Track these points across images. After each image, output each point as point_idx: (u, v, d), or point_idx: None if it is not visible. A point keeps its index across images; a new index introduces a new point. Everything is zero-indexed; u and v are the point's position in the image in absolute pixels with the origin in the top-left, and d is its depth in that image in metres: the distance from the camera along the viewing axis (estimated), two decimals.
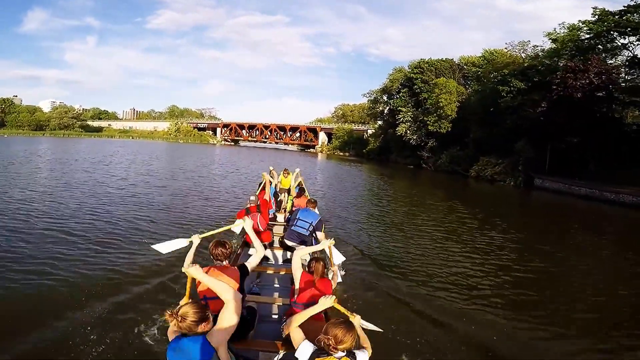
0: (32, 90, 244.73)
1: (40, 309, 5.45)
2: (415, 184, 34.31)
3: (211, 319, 2.58)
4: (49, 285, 6.23)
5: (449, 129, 43.06)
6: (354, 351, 2.65)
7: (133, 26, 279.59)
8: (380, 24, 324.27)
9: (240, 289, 3.68)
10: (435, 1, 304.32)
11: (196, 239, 4.03)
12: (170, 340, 2.56)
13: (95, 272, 6.90)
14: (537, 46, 40.94)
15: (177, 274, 6.62)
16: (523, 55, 41.98)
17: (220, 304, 2.80)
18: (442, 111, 42.69)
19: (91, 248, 8.33)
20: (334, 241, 4.81)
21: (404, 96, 53.16)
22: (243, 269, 3.83)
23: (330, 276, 4.39)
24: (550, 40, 37.06)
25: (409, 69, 56.70)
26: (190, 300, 2.81)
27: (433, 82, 45.62)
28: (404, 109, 50.34)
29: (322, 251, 5.24)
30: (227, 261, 3.82)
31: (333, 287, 4.11)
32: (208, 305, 3.24)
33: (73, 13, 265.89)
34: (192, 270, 3.01)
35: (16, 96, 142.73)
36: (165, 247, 4.14)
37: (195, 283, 3.63)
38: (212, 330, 2.56)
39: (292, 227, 6.53)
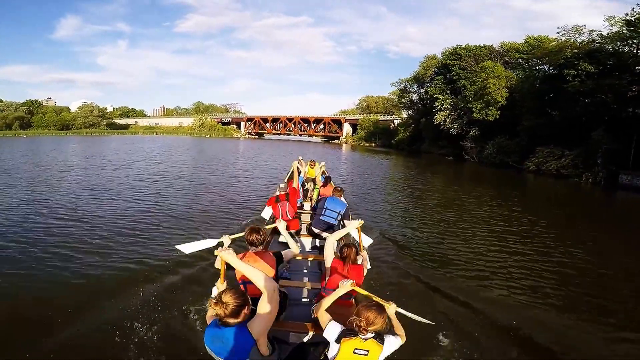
0: (66, 92, 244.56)
1: (75, 302, 5.25)
2: (458, 177, 28.86)
3: (250, 302, 2.50)
4: (80, 280, 6.05)
5: (497, 117, 36.44)
6: (384, 335, 2.56)
7: (162, 30, 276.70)
8: (400, 23, 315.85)
9: (276, 275, 3.60)
10: (454, 1, 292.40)
11: (227, 240, 3.63)
12: (208, 324, 2.55)
13: (125, 264, 6.69)
14: (593, 30, 34.37)
15: (211, 262, 6.15)
16: (579, 40, 35.29)
17: (257, 287, 2.98)
18: (489, 97, 36.04)
19: (120, 241, 8.09)
20: (362, 222, 4.47)
21: (438, 83, 46.77)
22: (278, 256, 3.69)
23: (359, 261, 4.06)
24: (615, 23, 30.05)
25: (441, 57, 50.36)
26: (228, 288, 2.64)
27: (479, 65, 38.98)
28: (440, 97, 43.85)
29: (354, 238, 5.36)
30: (261, 247, 3.65)
31: (364, 273, 3.92)
32: (247, 289, 3.31)
33: (104, 19, 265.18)
34: (224, 254, 2.84)
35: (50, 98, 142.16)
36: (190, 247, 3.87)
37: (232, 267, 3.26)
38: (253, 320, 2.48)
39: (321, 217, 6.25)
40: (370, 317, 2.50)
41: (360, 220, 4.45)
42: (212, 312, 2.47)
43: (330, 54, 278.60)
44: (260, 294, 2.71)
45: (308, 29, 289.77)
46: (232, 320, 2.41)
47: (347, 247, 3.84)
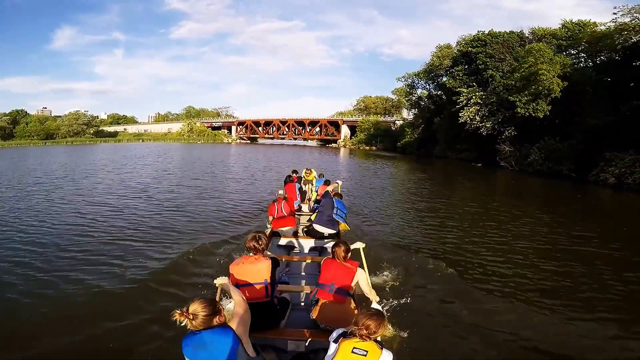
0: (66, 102, 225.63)
1: (65, 316, 4.72)
2: (504, 192, 19.41)
3: (223, 311, 2.29)
4: (73, 295, 5.30)
5: (547, 113, 26.81)
6: (383, 345, 2.33)
7: (158, 37, 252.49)
8: (392, 26, 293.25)
9: (272, 279, 3.34)
10: (445, 2, 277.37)
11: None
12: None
13: (116, 280, 5.84)
14: None
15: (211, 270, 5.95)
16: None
17: (252, 291, 3.15)
18: (540, 87, 26.23)
19: (114, 255, 6.98)
20: (364, 244, 4.45)
21: (459, 75, 36.88)
22: (274, 261, 3.43)
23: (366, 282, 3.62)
24: None
25: (457, 46, 40.81)
26: (198, 297, 2.31)
27: (526, 48, 28.92)
28: (465, 90, 34.00)
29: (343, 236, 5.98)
30: (259, 254, 3.35)
31: (367, 293, 3.53)
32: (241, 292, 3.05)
33: (100, 29, 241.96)
34: (219, 280, 3.02)
35: (45, 108, 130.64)
36: None
37: (229, 277, 3.20)
38: (234, 321, 2.35)
39: (334, 215, 6.05)
40: (371, 325, 2.28)
41: (364, 244, 4.43)
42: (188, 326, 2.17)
43: (325, 57, 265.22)
44: (254, 298, 3.10)
45: (301, 33, 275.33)
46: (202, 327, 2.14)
47: (337, 245, 3.64)
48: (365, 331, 2.27)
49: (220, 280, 3.03)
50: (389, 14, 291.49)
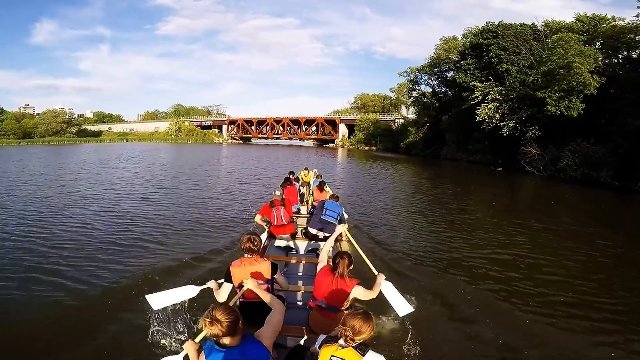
0: (50, 99, 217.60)
1: (66, 321, 4.56)
2: (551, 210, 14.71)
3: (241, 317, 2.19)
4: (71, 301, 5.08)
5: (581, 111, 23.21)
6: (369, 348, 2.25)
7: (144, 33, 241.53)
8: (385, 24, 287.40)
9: (271, 282, 3.38)
10: (436, 1, 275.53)
11: (214, 284, 3.33)
12: (203, 346, 2.24)
13: (115, 284, 5.63)
14: None
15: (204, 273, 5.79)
16: None
17: (253, 291, 2.97)
18: (573, 82, 22.61)
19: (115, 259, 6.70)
20: (347, 225, 4.70)
21: (469, 69, 33.21)
22: (274, 265, 3.43)
23: (379, 283, 3.55)
24: None
25: (463, 38, 37.27)
26: (217, 305, 2.25)
27: (553, 38, 25.06)
28: (480, 85, 30.27)
29: (350, 248, 5.25)
30: (256, 254, 3.37)
31: (370, 297, 3.38)
32: (243, 294, 3.19)
33: (83, 23, 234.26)
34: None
35: (28, 105, 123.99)
36: (163, 299, 3.25)
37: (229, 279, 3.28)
38: (263, 331, 2.31)
39: (322, 216, 5.98)
40: (355, 325, 2.20)
41: (345, 224, 4.59)
42: (206, 332, 2.14)
43: (319, 55, 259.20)
44: (255, 297, 2.97)
45: (294, 30, 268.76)
46: (229, 339, 2.12)
47: (340, 256, 3.37)
48: (350, 332, 2.22)
49: (224, 289, 3.21)
50: (382, 12, 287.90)
